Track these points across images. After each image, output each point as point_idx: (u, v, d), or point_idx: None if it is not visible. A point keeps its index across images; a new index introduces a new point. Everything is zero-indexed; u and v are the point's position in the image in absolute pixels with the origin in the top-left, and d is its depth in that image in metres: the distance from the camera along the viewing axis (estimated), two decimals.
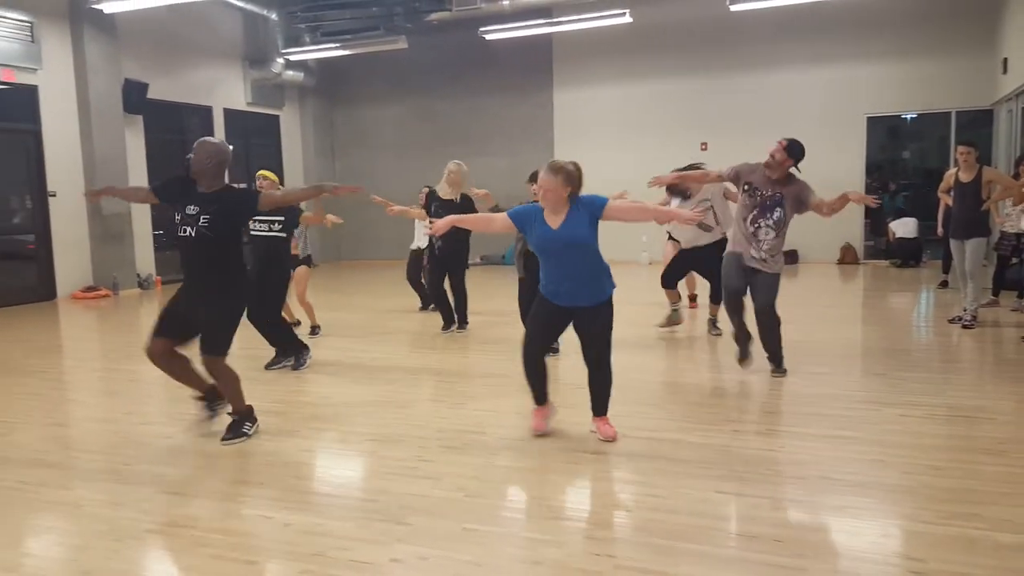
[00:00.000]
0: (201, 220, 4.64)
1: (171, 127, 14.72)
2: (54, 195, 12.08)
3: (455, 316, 8.47)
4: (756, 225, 5.82)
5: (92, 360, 8.04)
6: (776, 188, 5.78)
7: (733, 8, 12.57)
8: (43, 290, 12.09)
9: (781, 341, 6.06)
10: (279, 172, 16.97)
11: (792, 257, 14.36)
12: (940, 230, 9.64)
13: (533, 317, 4.68)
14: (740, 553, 3.21)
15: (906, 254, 13.63)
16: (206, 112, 15.07)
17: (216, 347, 4.72)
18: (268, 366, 6.85)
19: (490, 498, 3.92)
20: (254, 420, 4.97)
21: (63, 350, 8.72)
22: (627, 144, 15.13)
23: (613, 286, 4.58)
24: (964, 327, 7.79)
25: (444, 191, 8.25)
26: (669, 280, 7.97)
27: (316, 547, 3.36)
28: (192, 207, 4.67)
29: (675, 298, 8.06)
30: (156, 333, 4.79)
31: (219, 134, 15.22)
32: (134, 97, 13.00)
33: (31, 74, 11.68)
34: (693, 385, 6.07)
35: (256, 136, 16.59)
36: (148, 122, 13.65)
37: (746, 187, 5.84)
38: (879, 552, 3.20)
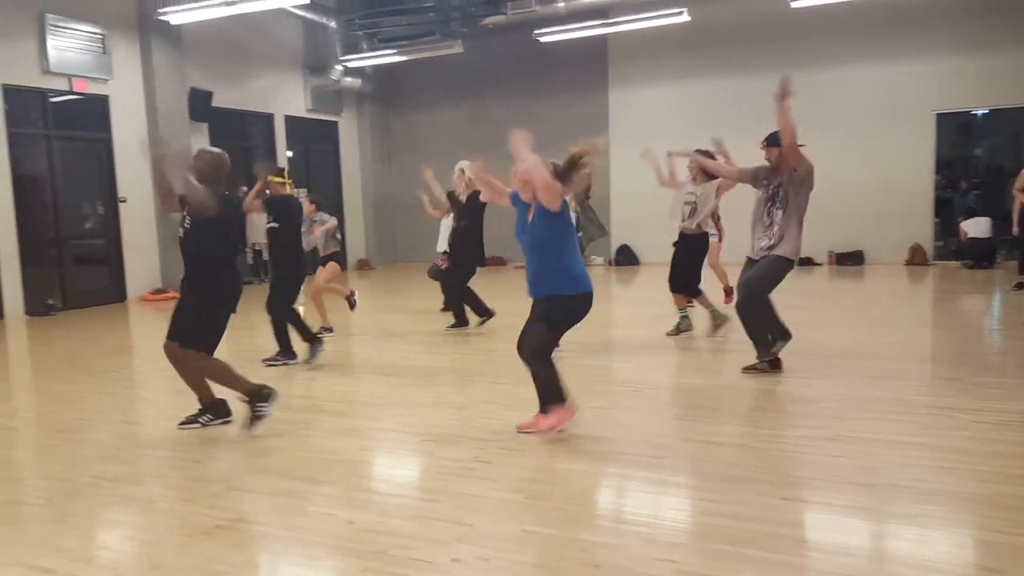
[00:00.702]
0: (185, 222, 5.03)
1: (235, 134, 15.04)
2: (124, 201, 12.50)
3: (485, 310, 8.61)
4: (770, 214, 5.99)
5: (161, 360, 8.18)
6: (778, 175, 6.10)
7: (795, 5, 12.35)
8: (114, 292, 12.52)
9: (761, 328, 6.06)
10: (337, 178, 17.30)
11: (858, 258, 14.08)
12: (1016, 230, 9.35)
13: None
14: (803, 561, 3.15)
15: (979, 255, 13.08)
16: (268, 119, 15.41)
17: (177, 334, 5.02)
18: (265, 360, 7.18)
19: (549, 500, 3.91)
20: (222, 414, 5.26)
21: (133, 350, 9.01)
22: (683, 144, 14.87)
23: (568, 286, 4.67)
24: None
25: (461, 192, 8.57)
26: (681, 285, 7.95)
27: (378, 545, 3.39)
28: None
29: (682, 303, 7.97)
30: (168, 335, 5.12)
31: (280, 141, 15.55)
32: (199, 105, 13.37)
33: (103, 84, 12.10)
34: (755, 389, 5.92)
35: (315, 142, 16.90)
36: (213, 129, 13.99)
37: (765, 182, 6.07)
38: (951, 562, 3.11)
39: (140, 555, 3.47)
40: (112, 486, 4.28)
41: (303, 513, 3.83)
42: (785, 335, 6.13)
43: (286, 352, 7.14)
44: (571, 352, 6.72)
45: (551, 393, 4.72)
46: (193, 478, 4.43)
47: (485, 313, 8.63)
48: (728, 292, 9.46)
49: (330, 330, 8.50)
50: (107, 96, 12.20)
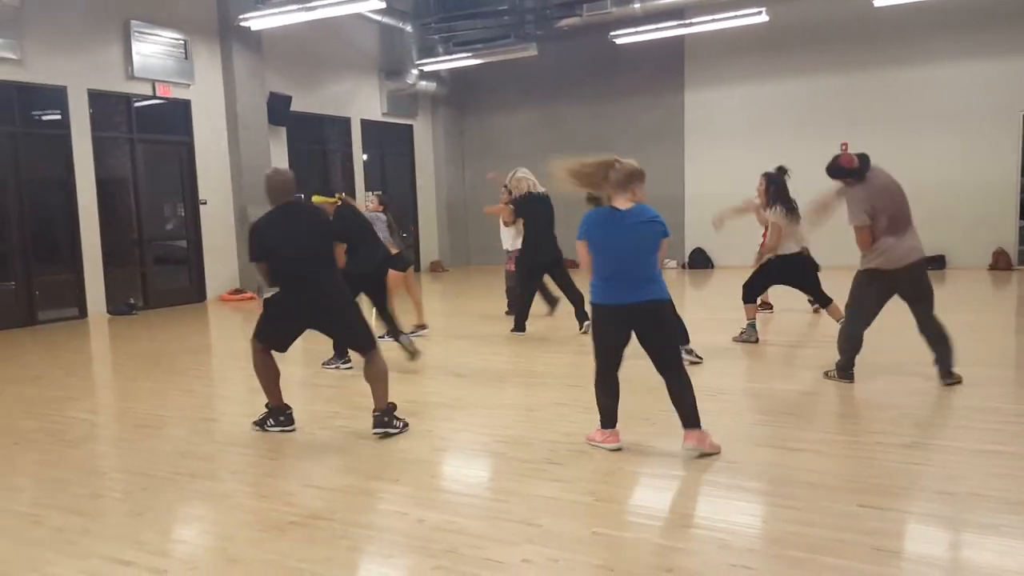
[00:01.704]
0: None
1: (312, 138, 15.29)
2: (205, 203, 12.79)
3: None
4: None
5: (239, 359, 8.38)
6: None
7: (877, 3, 12.00)
8: (194, 292, 12.81)
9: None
10: (411, 181, 17.43)
11: (939, 262, 13.55)
12: None
13: None
14: (882, 569, 3.06)
15: None
16: (344, 123, 15.60)
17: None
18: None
19: (620, 503, 3.88)
20: (282, 422, 5.23)
21: (212, 349, 9.18)
22: (762, 145, 14.60)
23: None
24: None
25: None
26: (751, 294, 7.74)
27: (449, 544, 3.39)
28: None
29: (752, 313, 7.75)
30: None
31: (356, 144, 15.73)
32: (278, 109, 13.60)
33: (184, 89, 12.40)
34: (832, 395, 5.79)
35: (390, 146, 17.05)
36: (291, 133, 14.24)
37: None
38: None
39: (216, 549, 3.52)
40: (190, 481, 4.35)
41: (375, 511, 3.87)
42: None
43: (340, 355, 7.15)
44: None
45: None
46: (269, 474, 4.48)
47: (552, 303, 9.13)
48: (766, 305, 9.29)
49: (424, 327, 8.66)
50: (189, 100, 12.50)
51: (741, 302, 7.68)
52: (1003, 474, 4.02)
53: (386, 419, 5.01)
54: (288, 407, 5.27)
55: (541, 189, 8.62)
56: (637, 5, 13.06)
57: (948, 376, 5.69)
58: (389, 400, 5.06)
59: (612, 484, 4.10)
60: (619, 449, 4.51)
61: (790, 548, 3.25)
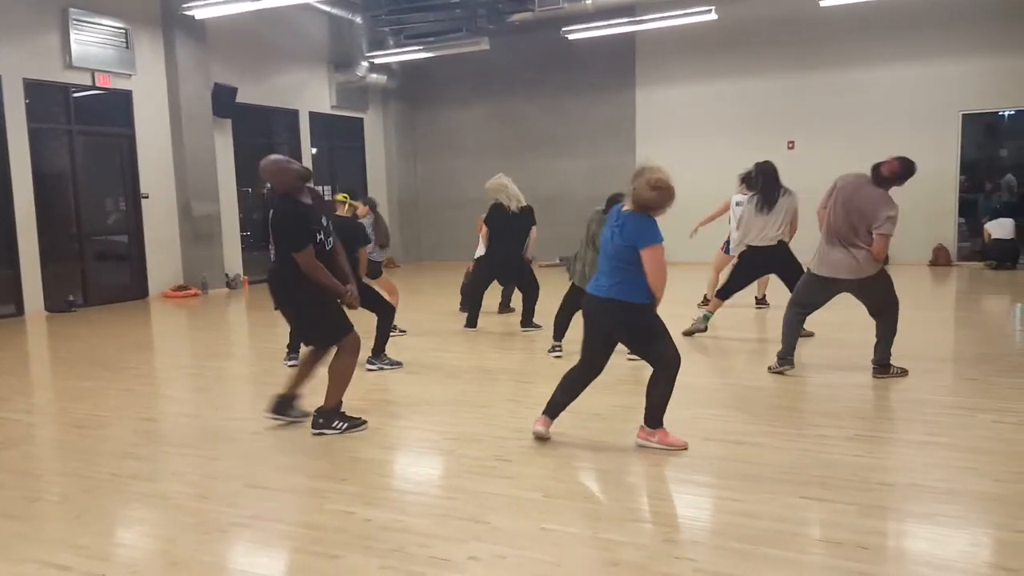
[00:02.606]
0: (331, 228, 5.01)
1: (259, 130, 15.02)
2: (147, 197, 12.45)
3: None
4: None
5: (182, 357, 8.22)
6: None
7: (824, 4, 12.20)
8: (136, 289, 12.47)
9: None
10: (361, 175, 17.23)
11: None
12: None
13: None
14: (823, 560, 3.14)
15: (1002, 256, 13.06)
16: (293, 115, 15.34)
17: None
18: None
19: (568, 499, 3.89)
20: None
21: (155, 347, 8.95)
22: (711, 143, 14.80)
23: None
24: None
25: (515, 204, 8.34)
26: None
27: (396, 543, 3.37)
28: (324, 218, 4.97)
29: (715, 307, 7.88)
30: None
31: (304, 137, 15.49)
32: (223, 101, 13.31)
33: (126, 79, 12.06)
34: (777, 388, 5.91)
35: (340, 139, 16.83)
36: (236, 126, 13.96)
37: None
38: (969, 561, 3.10)
39: (157, 552, 3.46)
40: (130, 483, 4.26)
41: (321, 511, 3.81)
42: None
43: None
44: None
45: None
46: (211, 475, 4.38)
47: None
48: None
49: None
50: (130, 91, 12.15)
51: (692, 296, 7.76)
52: (939, 464, 4.15)
53: (321, 420, 4.95)
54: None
55: (515, 207, 8.28)
56: (588, 1, 13.05)
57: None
58: (340, 400, 4.98)
59: (561, 480, 4.14)
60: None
61: (733, 540, 3.30)
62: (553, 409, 4.66)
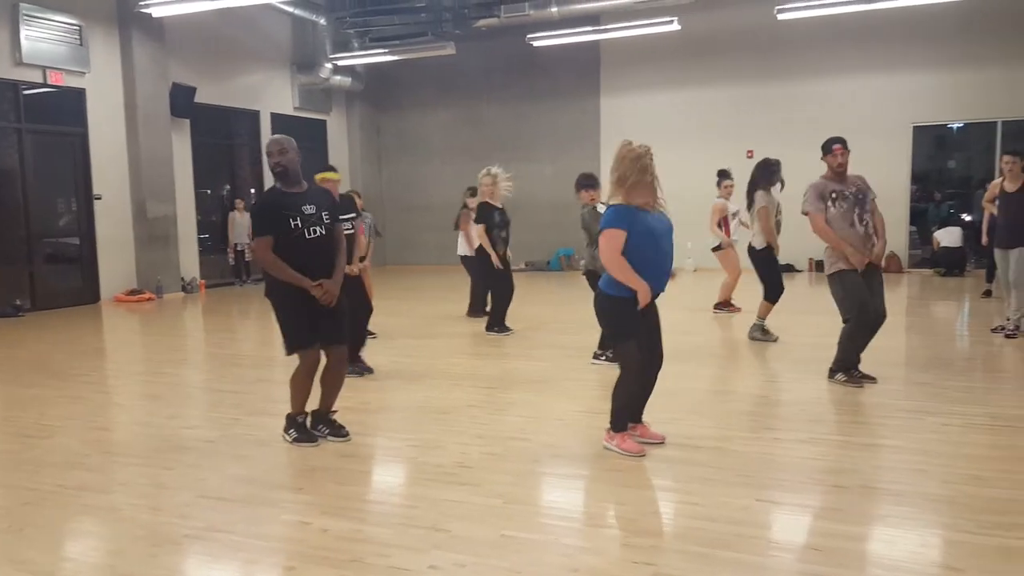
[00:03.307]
0: (324, 217, 4.64)
1: (218, 131, 14.78)
2: (99, 198, 12.12)
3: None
4: (863, 221, 5.98)
5: (135, 364, 7.98)
6: (852, 183, 6.09)
7: (781, 17, 12.35)
8: (87, 293, 12.12)
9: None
10: None
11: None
12: (984, 240, 9.56)
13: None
14: (779, 562, 3.18)
15: (950, 263, 13.45)
16: (254, 116, 15.12)
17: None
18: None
19: (529, 505, 3.88)
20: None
21: (106, 353, 8.69)
22: (674, 151, 14.74)
23: None
24: (1007, 336, 7.70)
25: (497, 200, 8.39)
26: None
27: (354, 553, 3.30)
28: (308, 207, 4.63)
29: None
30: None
31: (265, 138, 15.21)
32: (181, 101, 13.05)
33: (79, 77, 11.75)
34: (735, 392, 5.99)
35: (303, 141, 16.34)
36: (195, 125, 13.70)
37: (833, 196, 5.93)
38: (917, 562, 3.15)
39: (105, 567, 3.31)
40: (77, 494, 4.10)
41: (277, 521, 3.71)
42: None
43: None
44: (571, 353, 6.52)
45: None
46: (162, 486, 4.22)
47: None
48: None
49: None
50: (84, 89, 11.85)
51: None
52: (890, 467, 4.24)
53: (284, 424, 4.83)
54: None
55: (498, 201, 8.42)
56: (554, 9, 13.07)
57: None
58: (305, 410, 4.82)
59: (522, 487, 4.10)
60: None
61: (691, 543, 3.33)
62: (636, 415, 4.61)
